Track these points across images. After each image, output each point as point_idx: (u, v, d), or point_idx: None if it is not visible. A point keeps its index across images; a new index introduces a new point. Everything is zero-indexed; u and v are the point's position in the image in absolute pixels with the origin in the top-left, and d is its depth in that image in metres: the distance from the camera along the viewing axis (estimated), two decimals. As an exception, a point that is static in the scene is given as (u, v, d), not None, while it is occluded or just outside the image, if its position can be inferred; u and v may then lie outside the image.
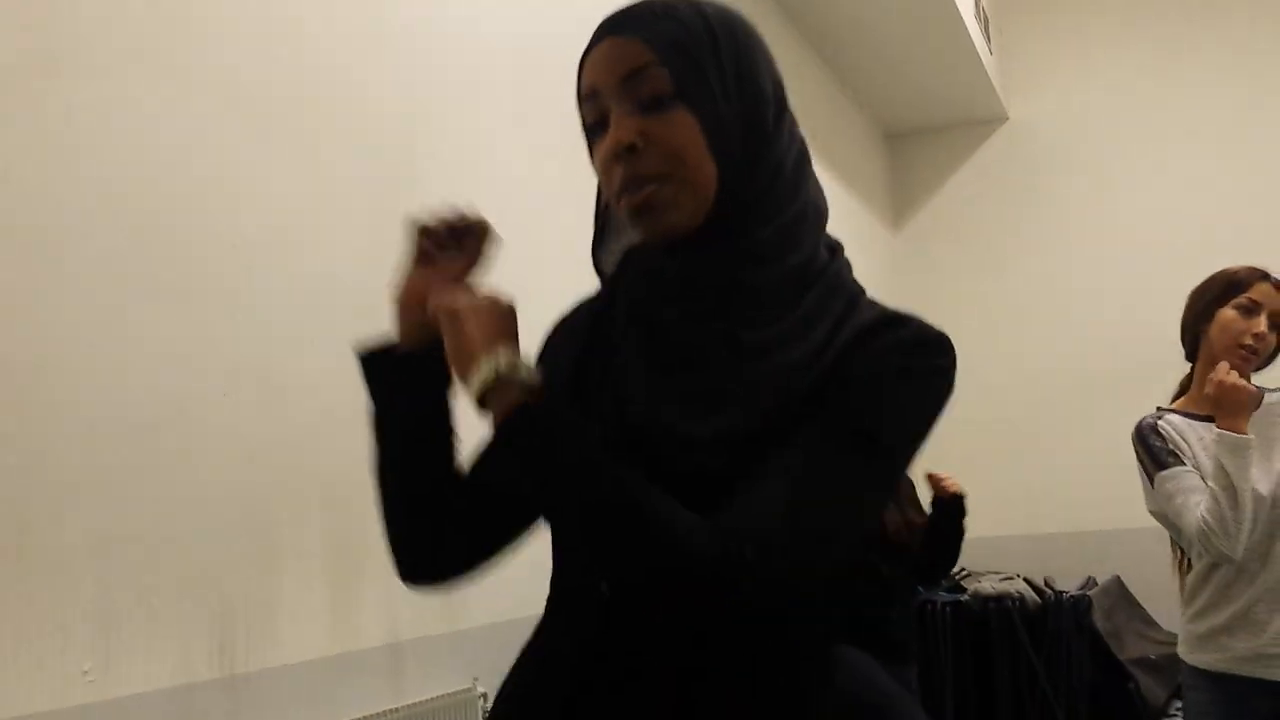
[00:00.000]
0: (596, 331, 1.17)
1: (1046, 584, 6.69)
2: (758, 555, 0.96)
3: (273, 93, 2.61)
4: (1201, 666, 2.44)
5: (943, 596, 6.60)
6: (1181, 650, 2.49)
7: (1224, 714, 2.40)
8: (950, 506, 3.19)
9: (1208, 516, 2.25)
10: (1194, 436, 2.42)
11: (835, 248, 1.22)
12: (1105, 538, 6.91)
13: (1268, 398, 2.44)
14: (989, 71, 7.63)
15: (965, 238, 8.33)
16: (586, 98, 1.08)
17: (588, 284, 1.25)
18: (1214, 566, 2.40)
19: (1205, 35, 7.90)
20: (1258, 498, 2.31)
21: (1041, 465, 7.48)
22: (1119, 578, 6.54)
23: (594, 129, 1.08)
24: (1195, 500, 2.29)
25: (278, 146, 2.60)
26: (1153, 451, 2.41)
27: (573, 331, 1.22)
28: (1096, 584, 6.53)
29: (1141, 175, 7.96)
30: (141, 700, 2.11)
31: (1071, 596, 6.32)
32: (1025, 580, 6.75)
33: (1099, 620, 6.09)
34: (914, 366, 1.08)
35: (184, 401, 2.30)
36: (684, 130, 1.04)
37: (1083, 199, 8.08)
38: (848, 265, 1.23)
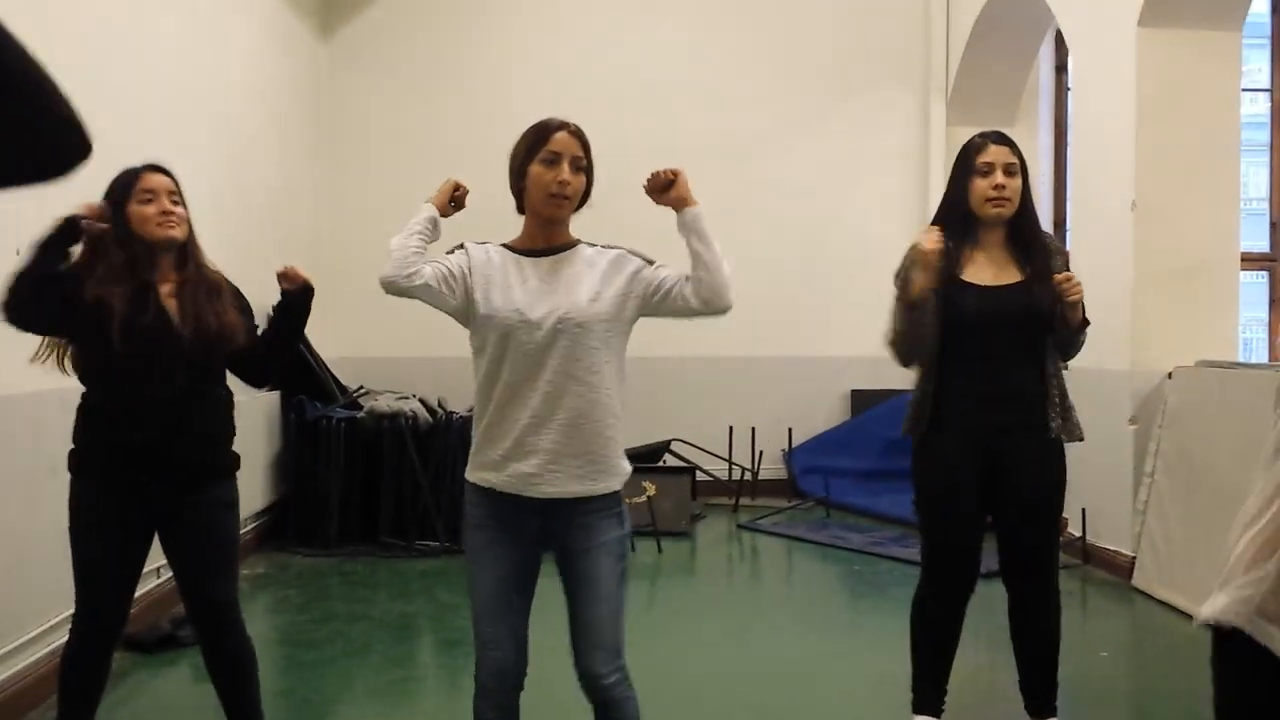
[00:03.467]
0: None
1: (439, 404, 7.03)
2: None
3: None
4: (477, 482, 2.63)
5: (338, 413, 6.72)
6: (468, 469, 2.67)
7: (497, 527, 2.60)
8: (297, 298, 3.13)
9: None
10: (499, 262, 2.60)
11: None
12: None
13: (581, 248, 2.64)
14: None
15: (399, 59, 8.26)
16: None
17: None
18: (488, 390, 2.59)
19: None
20: (523, 319, 2.52)
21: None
22: (504, 401, 6.99)
23: None
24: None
25: None
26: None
27: None
28: (484, 406, 6.94)
29: (576, 18, 8.34)
30: None
31: (461, 416, 6.70)
32: (420, 400, 7.05)
33: (483, 440, 6.50)
34: None
35: None
36: None
37: (519, 34, 8.31)
38: None
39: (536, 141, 2.59)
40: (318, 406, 6.76)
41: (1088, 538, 6.05)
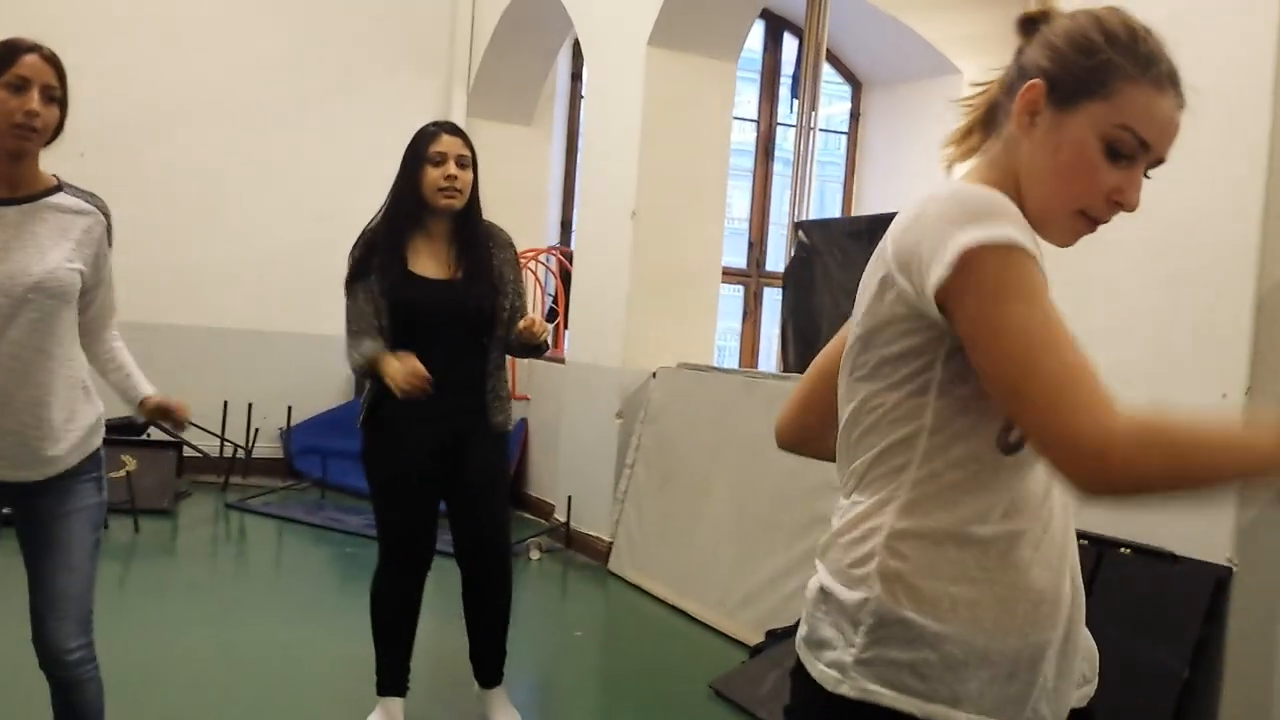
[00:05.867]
0: None
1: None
2: None
3: None
4: None
5: None
6: None
7: None
8: None
9: None
10: None
11: None
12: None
13: (60, 197, 2.39)
14: None
15: None
16: None
17: None
18: None
19: None
20: None
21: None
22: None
23: None
24: None
25: None
26: None
27: None
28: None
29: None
30: None
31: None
32: None
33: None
34: None
35: None
36: None
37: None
38: None
39: (2, 64, 2.30)
40: None
41: (571, 524, 6.38)
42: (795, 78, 8.59)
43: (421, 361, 3.21)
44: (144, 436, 6.96)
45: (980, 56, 9.06)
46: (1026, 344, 1.17)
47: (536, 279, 8.28)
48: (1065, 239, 1.32)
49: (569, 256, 7.54)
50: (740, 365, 8.80)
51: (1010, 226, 1.20)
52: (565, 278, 7.57)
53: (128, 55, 7.49)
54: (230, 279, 7.84)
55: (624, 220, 6.13)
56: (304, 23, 8.07)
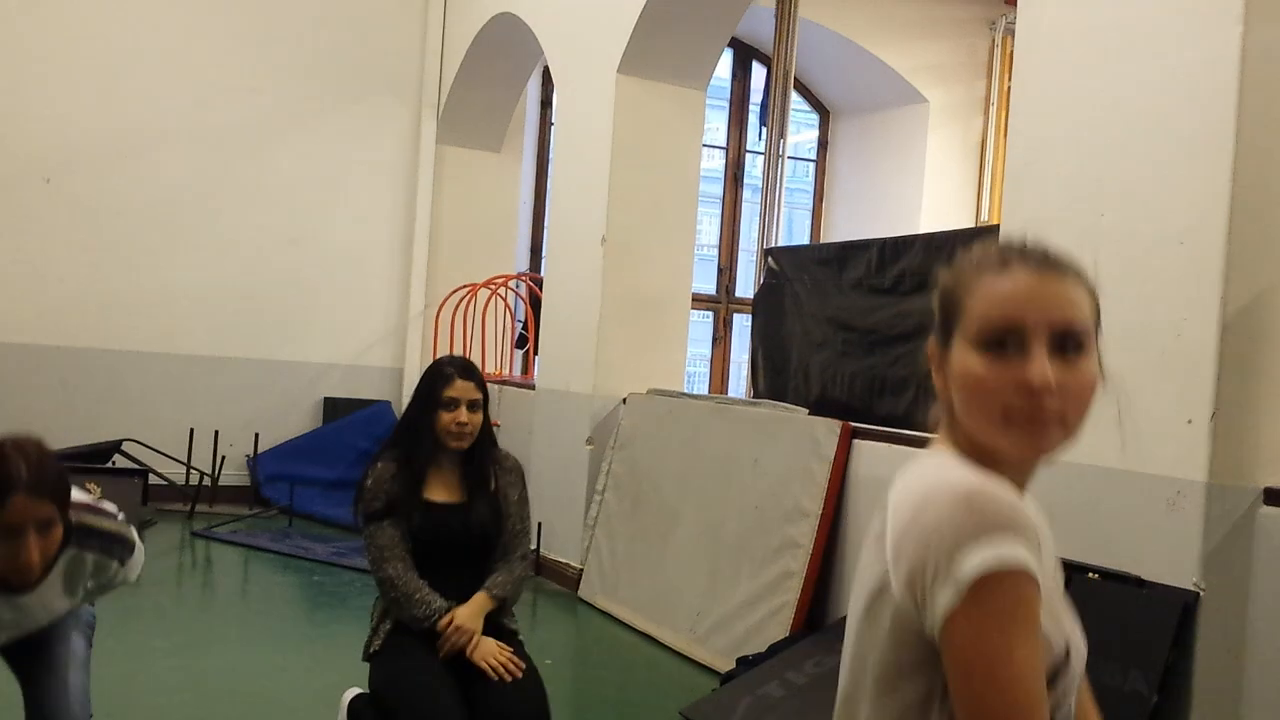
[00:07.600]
0: None
1: None
2: None
3: None
4: None
5: None
6: None
7: None
8: None
9: None
10: None
11: None
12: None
13: (71, 556, 2.53)
14: None
15: None
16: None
17: None
18: None
19: None
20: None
21: None
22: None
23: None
24: None
25: None
26: None
27: None
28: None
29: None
30: None
31: None
32: None
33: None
34: None
35: None
36: None
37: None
38: None
39: None
40: None
41: (542, 551, 6.35)
42: (764, 106, 8.63)
43: (427, 573, 3.28)
44: (109, 464, 6.89)
45: (946, 86, 9.15)
46: (1020, 692, 1.14)
47: (507, 305, 8.28)
48: (1024, 450, 1.26)
49: (539, 283, 7.54)
50: (710, 391, 8.80)
51: (1022, 542, 1.16)
52: (535, 304, 7.57)
53: (94, 80, 7.46)
54: (196, 305, 7.79)
55: (594, 246, 6.14)
56: (273, 49, 8.06)
